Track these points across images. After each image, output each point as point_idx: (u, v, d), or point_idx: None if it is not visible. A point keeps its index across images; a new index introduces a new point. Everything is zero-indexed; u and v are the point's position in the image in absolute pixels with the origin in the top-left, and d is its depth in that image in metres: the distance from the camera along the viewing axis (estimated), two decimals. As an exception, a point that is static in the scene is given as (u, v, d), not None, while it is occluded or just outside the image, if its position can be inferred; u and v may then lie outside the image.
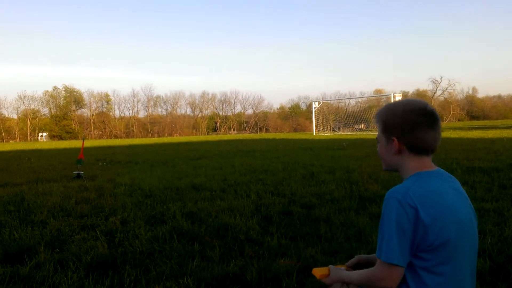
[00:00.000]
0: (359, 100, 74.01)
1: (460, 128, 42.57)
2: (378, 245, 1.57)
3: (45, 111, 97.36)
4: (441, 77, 49.84)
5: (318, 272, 1.95)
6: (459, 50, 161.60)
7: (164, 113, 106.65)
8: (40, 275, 3.27)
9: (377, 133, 1.77)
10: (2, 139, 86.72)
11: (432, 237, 1.49)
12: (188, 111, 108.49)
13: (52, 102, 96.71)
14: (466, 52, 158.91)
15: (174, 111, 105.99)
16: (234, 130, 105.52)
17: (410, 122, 1.60)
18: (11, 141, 79.96)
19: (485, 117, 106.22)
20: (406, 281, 1.56)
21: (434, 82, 50.32)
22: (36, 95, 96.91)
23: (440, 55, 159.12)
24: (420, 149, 1.62)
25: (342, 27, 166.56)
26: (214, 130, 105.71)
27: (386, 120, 1.68)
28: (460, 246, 1.55)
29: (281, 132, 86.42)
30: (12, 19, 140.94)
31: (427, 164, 1.64)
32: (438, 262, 1.52)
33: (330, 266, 1.91)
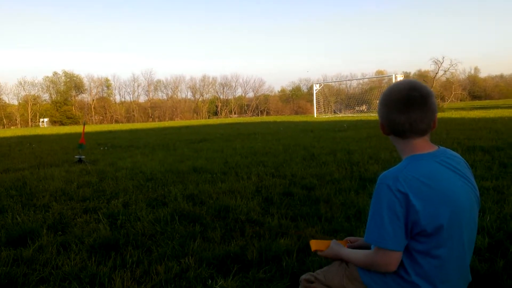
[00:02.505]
0: (361, 81, 73.58)
1: (462, 108, 42.41)
2: (369, 231, 1.57)
3: (45, 96, 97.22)
4: (443, 57, 49.21)
5: (314, 244, 1.96)
6: (461, 29, 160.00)
7: (165, 97, 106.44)
8: (43, 257, 3.31)
9: None
10: (3, 125, 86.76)
11: (424, 221, 1.49)
12: (189, 95, 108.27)
13: (53, 87, 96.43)
14: (468, 32, 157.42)
15: (175, 95, 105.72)
16: (235, 113, 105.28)
17: (386, 106, 1.63)
18: (12, 127, 79.98)
19: (487, 97, 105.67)
20: (403, 264, 1.57)
21: (436, 62, 49.84)
22: (36, 81, 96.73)
23: (442, 35, 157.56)
24: (401, 132, 1.61)
25: (342, 7, 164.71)
26: (215, 113, 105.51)
27: (378, 106, 1.72)
28: (456, 229, 1.55)
29: (282, 115, 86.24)
30: (10, 3, 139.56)
31: (420, 145, 1.61)
32: (433, 245, 1.52)
33: (333, 240, 1.92)
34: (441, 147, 1.66)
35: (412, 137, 1.61)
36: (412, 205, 1.48)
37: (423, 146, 1.62)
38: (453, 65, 50.80)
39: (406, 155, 1.62)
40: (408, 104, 1.56)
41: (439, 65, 50.64)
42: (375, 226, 1.54)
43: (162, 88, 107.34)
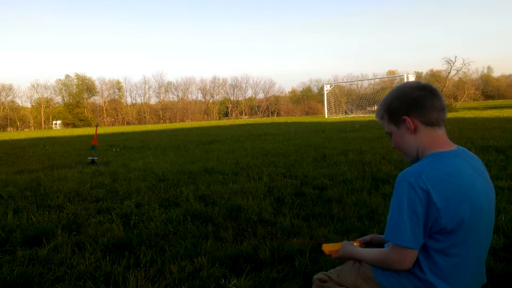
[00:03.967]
0: (372, 81, 73.23)
1: (475, 108, 41.90)
2: (387, 228, 1.56)
3: (58, 99, 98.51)
4: (456, 57, 48.92)
5: (327, 248, 1.96)
6: (474, 28, 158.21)
7: (176, 99, 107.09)
8: (58, 257, 3.35)
9: (385, 129, 1.74)
10: (17, 127, 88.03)
11: (445, 220, 1.47)
12: (199, 96, 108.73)
13: (65, 90, 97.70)
14: (481, 31, 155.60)
15: (185, 97, 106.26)
16: (245, 114, 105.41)
17: (413, 95, 1.60)
18: (25, 130, 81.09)
19: (501, 96, 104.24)
20: (419, 262, 1.55)
21: (448, 62, 49.48)
22: (49, 84, 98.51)
23: (454, 35, 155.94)
24: (432, 118, 1.58)
25: (353, 7, 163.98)
26: (226, 115, 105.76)
27: (390, 106, 1.67)
28: (475, 228, 1.53)
29: (293, 115, 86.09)
30: (23, 6, 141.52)
31: (443, 140, 1.60)
32: (451, 244, 1.51)
33: (344, 241, 1.91)
34: (459, 147, 1.64)
35: (439, 126, 1.61)
36: (434, 203, 1.46)
37: (446, 142, 1.61)
38: (466, 65, 50.40)
39: (429, 152, 1.59)
40: (435, 90, 1.62)
41: (452, 65, 50.26)
42: (394, 223, 1.52)
43: (173, 90, 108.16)
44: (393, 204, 1.54)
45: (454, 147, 1.62)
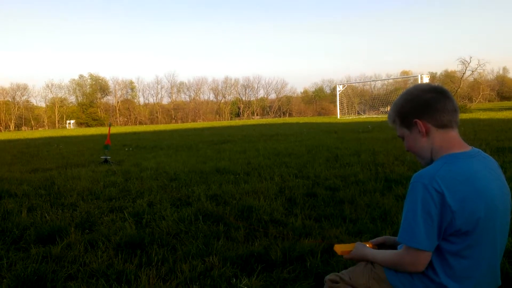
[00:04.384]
0: (385, 82, 72.65)
1: (490, 109, 41.32)
2: (401, 230, 1.54)
3: (72, 99, 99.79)
4: (471, 57, 48.32)
5: (339, 248, 1.95)
6: (489, 29, 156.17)
7: (188, 99, 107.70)
8: (71, 255, 3.38)
9: (397, 133, 1.74)
10: (31, 127, 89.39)
11: (460, 221, 1.45)
12: (211, 96, 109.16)
13: (79, 90, 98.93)
14: (497, 31, 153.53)
15: (197, 97, 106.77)
16: (257, 115, 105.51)
17: (424, 98, 1.59)
18: (40, 129, 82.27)
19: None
20: (432, 264, 1.54)
21: (463, 62, 48.90)
22: (63, 84, 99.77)
23: (469, 35, 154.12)
24: (444, 120, 1.57)
25: (366, 7, 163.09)
26: (237, 115, 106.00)
27: (401, 110, 1.67)
28: (490, 230, 1.51)
29: (305, 116, 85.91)
30: (38, 7, 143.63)
31: (457, 141, 1.58)
32: (465, 246, 1.49)
33: (357, 242, 1.90)
34: (474, 148, 1.62)
35: (452, 127, 1.59)
36: (448, 205, 1.44)
37: (460, 143, 1.59)
38: (481, 65, 49.78)
39: (443, 153, 1.58)
40: (446, 91, 1.61)
41: (467, 65, 49.70)
42: (408, 225, 1.51)
43: (185, 90, 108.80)
44: (407, 206, 1.53)
45: (468, 148, 1.60)
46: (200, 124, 57.73)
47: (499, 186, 1.57)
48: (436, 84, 1.65)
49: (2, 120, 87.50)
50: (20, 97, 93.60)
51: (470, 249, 1.49)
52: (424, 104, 1.59)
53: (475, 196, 1.47)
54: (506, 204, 1.58)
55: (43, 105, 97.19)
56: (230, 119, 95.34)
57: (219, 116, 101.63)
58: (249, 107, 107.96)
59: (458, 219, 1.45)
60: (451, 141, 1.58)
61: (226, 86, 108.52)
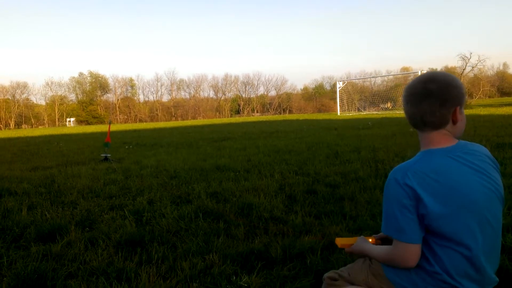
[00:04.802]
0: (385, 78, 72.61)
1: (490, 105, 41.28)
2: (383, 222, 1.60)
3: (72, 97, 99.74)
4: (471, 53, 48.12)
5: (340, 241, 1.95)
6: (489, 24, 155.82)
7: (188, 96, 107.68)
8: (71, 253, 3.38)
9: None
10: (31, 125, 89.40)
11: (434, 214, 1.48)
12: (211, 94, 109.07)
13: (78, 87, 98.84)
14: (497, 27, 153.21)
15: (197, 94, 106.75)
16: (257, 112, 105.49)
17: (404, 99, 1.66)
18: (40, 127, 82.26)
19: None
20: (425, 255, 1.57)
21: (463, 58, 48.72)
22: (62, 81, 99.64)
23: (469, 30, 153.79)
24: (415, 125, 1.64)
25: (366, 3, 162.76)
26: (237, 112, 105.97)
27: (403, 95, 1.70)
28: (470, 225, 1.51)
29: (305, 113, 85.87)
30: (37, 4, 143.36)
31: (436, 139, 1.60)
32: (449, 237, 1.51)
33: (360, 237, 1.90)
34: (460, 141, 1.63)
35: (427, 130, 1.62)
36: (421, 199, 1.48)
37: (440, 140, 1.60)
38: (481, 61, 49.65)
39: (422, 149, 1.63)
40: (420, 97, 1.58)
41: (467, 61, 49.56)
42: (388, 220, 1.56)
43: (185, 87, 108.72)
44: (384, 201, 1.59)
45: (451, 143, 1.60)
46: (200, 121, 57.72)
47: (481, 180, 1.56)
48: (436, 83, 1.61)
49: (2, 118, 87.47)
50: (20, 95, 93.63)
51: (453, 239, 1.51)
52: (407, 106, 1.66)
53: (446, 193, 1.49)
54: (490, 198, 1.56)
55: (43, 103, 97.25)
56: (230, 116, 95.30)
57: (219, 113, 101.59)
58: (249, 104, 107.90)
59: (431, 213, 1.48)
60: (430, 139, 1.62)
61: (226, 83, 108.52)
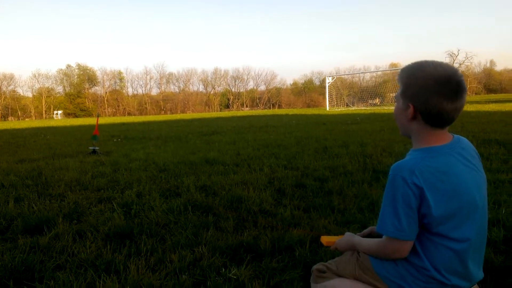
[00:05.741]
0: (374, 74, 72.93)
1: (477, 102, 41.77)
2: (381, 221, 1.56)
3: (59, 89, 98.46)
4: (458, 50, 48.79)
5: (325, 239, 1.98)
6: (477, 22, 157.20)
7: (177, 90, 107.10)
8: (59, 245, 3.36)
9: (396, 93, 1.68)
10: (18, 117, 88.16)
11: (436, 214, 1.49)
12: (201, 88, 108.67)
13: (66, 80, 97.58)
14: (484, 24, 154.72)
15: (187, 88, 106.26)
16: (247, 106, 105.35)
17: (429, 91, 1.48)
18: (26, 119, 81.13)
19: (503, 90, 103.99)
20: (416, 250, 1.58)
21: (451, 55, 49.26)
22: (50, 74, 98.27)
23: (457, 28, 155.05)
24: (436, 121, 1.53)
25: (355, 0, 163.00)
26: (227, 106, 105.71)
27: (407, 82, 1.56)
28: (467, 222, 1.54)
29: (294, 108, 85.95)
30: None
31: (441, 137, 1.58)
32: (444, 234, 1.53)
33: (347, 232, 1.92)
34: (455, 136, 1.63)
35: (442, 127, 1.57)
36: (426, 199, 1.48)
37: (443, 137, 1.59)
38: (469, 58, 50.24)
39: (423, 145, 1.58)
40: (459, 92, 1.49)
41: (454, 58, 50.07)
42: (389, 218, 1.53)
43: (174, 81, 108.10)
44: (387, 197, 1.55)
45: (450, 138, 1.61)
46: (189, 115, 57.46)
47: (474, 177, 1.59)
48: (455, 76, 1.53)
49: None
50: (7, 87, 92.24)
51: (448, 239, 1.53)
52: (426, 96, 1.55)
53: (450, 193, 1.50)
54: (483, 195, 1.62)
55: (30, 95, 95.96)
56: (220, 111, 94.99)
57: (209, 107, 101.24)
58: (238, 99, 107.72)
59: (435, 212, 1.49)
60: (435, 137, 1.58)
61: (215, 77, 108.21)
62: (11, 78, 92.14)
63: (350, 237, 1.85)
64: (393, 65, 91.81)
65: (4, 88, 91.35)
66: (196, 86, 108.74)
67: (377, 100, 55.52)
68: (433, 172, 1.49)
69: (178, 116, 53.59)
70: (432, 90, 1.48)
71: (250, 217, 3.97)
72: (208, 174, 6.27)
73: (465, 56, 48.94)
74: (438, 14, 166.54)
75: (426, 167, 1.50)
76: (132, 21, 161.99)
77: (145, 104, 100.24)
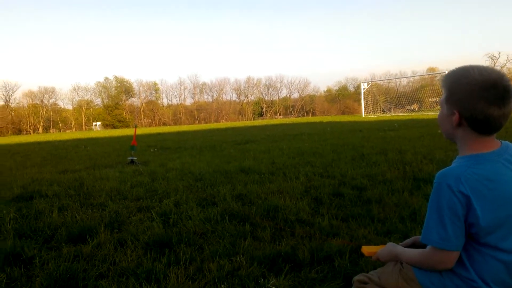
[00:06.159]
0: (411, 79, 71.44)
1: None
2: (426, 230, 1.51)
3: (97, 101, 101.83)
4: (499, 53, 47.00)
5: (366, 249, 1.94)
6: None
7: (210, 99, 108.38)
8: (101, 254, 3.44)
9: (440, 99, 1.65)
10: (59, 129, 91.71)
11: (484, 223, 1.43)
12: (234, 97, 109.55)
13: (104, 92, 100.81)
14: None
15: (220, 98, 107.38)
16: (280, 114, 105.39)
17: (474, 97, 1.42)
18: (67, 131, 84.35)
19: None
20: (462, 261, 1.52)
21: (492, 57, 47.57)
22: (89, 86, 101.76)
23: (497, 29, 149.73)
24: (482, 128, 1.47)
25: (389, 3, 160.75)
26: (260, 115, 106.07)
27: (451, 89, 1.52)
28: None
29: (329, 115, 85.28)
30: (61, 12, 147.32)
31: (488, 144, 1.52)
32: (492, 243, 1.47)
33: (389, 243, 1.86)
34: (503, 142, 1.57)
35: (489, 134, 1.51)
36: (474, 208, 1.42)
37: (490, 143, 1.53)
38: (510, 61, 48.31)
39: (470, 152, 1.52)
40: (507, 98, 1.43)
41: (495, 61, 48.38)
42: (434, 227, 1.48)
43: (208, 91, 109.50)
44: (432, 206, 1.50)
45: (497, 145, 1.54)
46: (223, 124, 58.05)
47: None
48: (502, 81, 1.47)
49: (31, 122, 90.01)
50: (48, 100, 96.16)
51: (496, 246, 1.48)
52: (472, 103, 1.49)
53: (498, 202, 1.44)
54: None
55: (70, 107, 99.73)
56: (253, 119, 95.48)
57: (242, 116, 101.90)
58: (272, 107, 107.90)
59: (483, 220, 1.43)
60: (482, 144, 1.52)
61: (248, 86, 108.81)
62: (52, 91, 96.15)
63: (392, 247, 1.80)
64: (431, 70, 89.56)
65: (45, 101, 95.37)
66: (229, 95, 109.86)
67: (415, 106, 54.29)
68: (480, 179, 1.44)
69: (212, 125, 54.24)
70: (477, 96, 1.42)
71: (287, 227, 3.93)
72: (244, 183, 6.28)
73: (506, 58, 47.10)
74: (476, 16, 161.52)
75: (473, 174, 1.44)
76: (166, 34, 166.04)
77: (180, 114, 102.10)
